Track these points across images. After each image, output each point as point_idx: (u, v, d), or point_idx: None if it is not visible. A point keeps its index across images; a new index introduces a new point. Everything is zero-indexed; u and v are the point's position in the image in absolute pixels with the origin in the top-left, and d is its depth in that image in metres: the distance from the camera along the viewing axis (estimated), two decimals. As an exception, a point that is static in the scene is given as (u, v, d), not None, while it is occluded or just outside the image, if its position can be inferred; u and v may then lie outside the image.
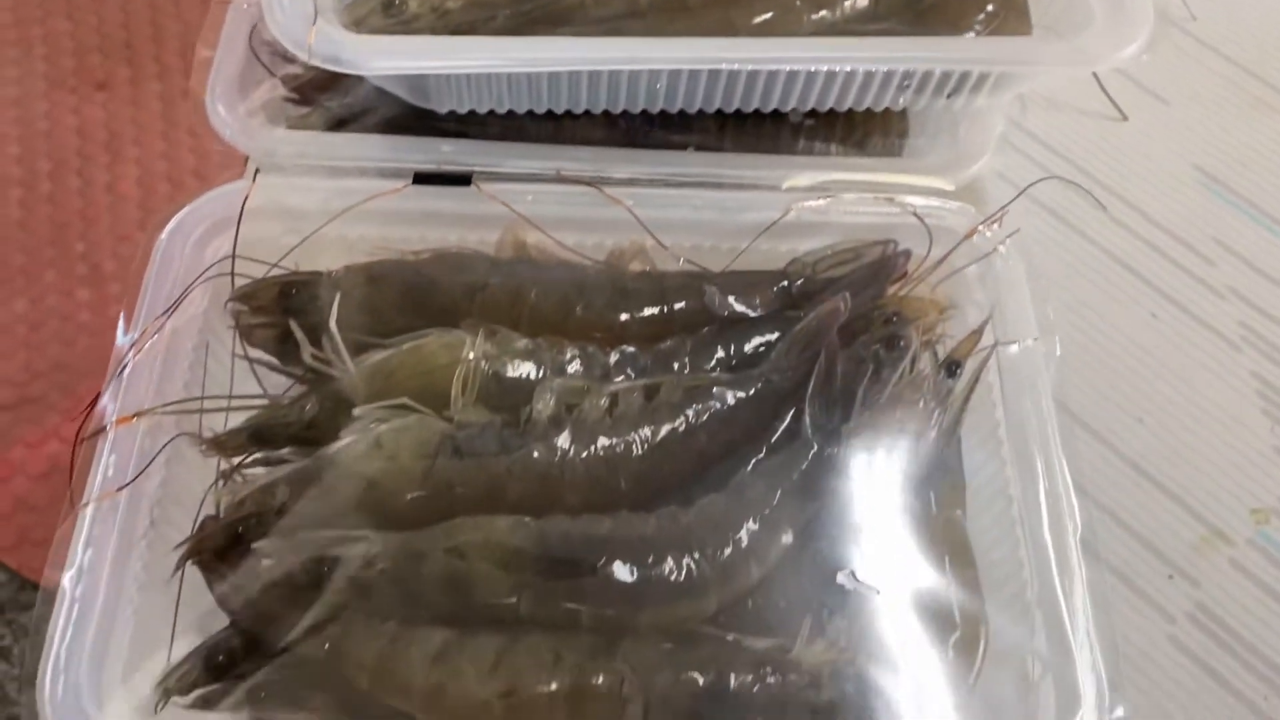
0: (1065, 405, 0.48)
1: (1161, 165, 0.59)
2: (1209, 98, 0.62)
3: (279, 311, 0.48)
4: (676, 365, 0.46)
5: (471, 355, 0.44)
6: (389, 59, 0.44)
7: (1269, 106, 0.62)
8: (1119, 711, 0.38)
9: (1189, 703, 0.45)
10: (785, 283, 0.48)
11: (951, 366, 0.45)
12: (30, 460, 0.57)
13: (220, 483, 0.43)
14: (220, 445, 0.45)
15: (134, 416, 0.42)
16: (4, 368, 0.60)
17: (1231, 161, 0.59)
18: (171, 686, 0.41)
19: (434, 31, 0.48)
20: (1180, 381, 0.53)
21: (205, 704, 0.39)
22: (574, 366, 0.45)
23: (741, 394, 0.45)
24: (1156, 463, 0.50)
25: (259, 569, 0.41)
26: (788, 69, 0.47)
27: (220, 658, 0.42)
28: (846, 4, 0.50)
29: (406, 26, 0.45)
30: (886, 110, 0.53)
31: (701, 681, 0.39)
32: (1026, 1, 0.51)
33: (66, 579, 0.39)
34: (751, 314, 0.47)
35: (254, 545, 0.41)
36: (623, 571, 0.40)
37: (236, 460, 0.45)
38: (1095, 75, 0.59)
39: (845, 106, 0.51)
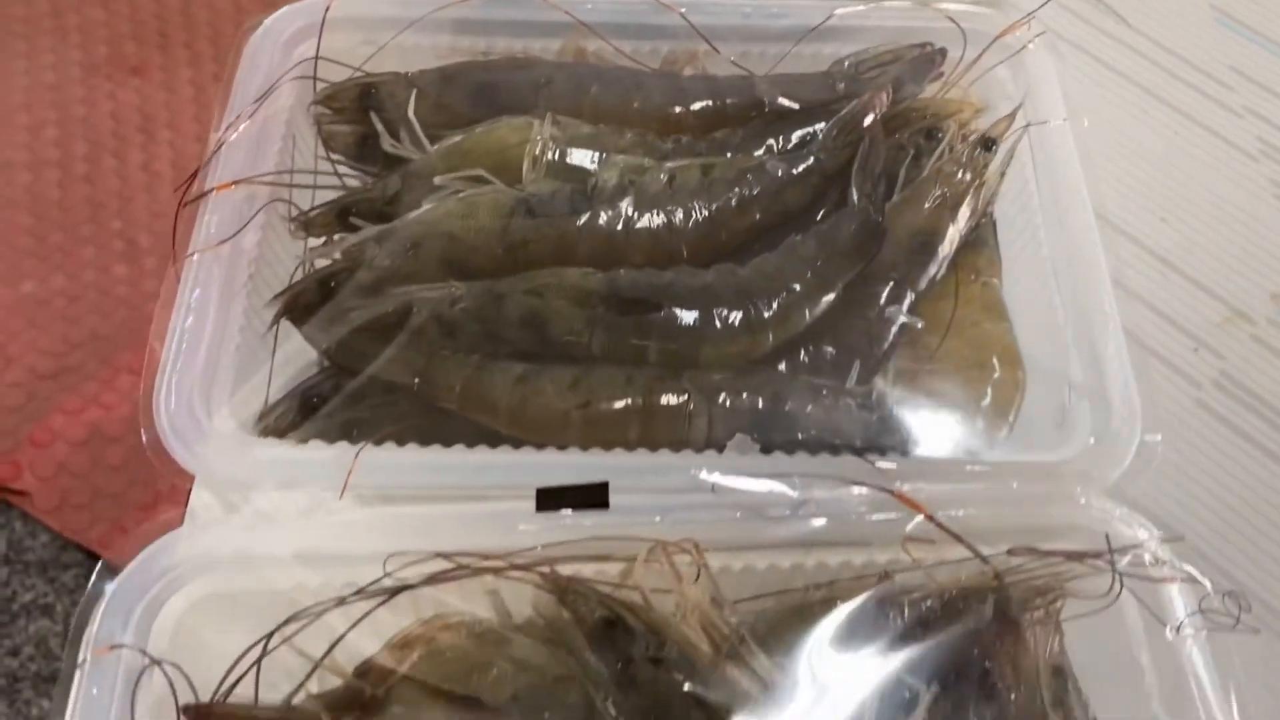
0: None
1: (1179, 4, 0.62)
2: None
3: (359, 111, 0.51)
4: (729, 152, 0.49)
5: (540, 137, 0.48)
6: None
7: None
8: (1155, 436, 0.41)
9: (1220, 459, 0.48)
10: (830, 81, 0.51)
11: (987, 143, 0.48)
12: (69, 427, 0.58)
13: (309, 249, 0.47)
14: (309, 222, 0.49)
15: (233, 184, 0.46)
16: (44, 339, 0.62)
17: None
18: (270, 425, 0.45)
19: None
20: (1201, 188, 0.56)
21: (301, 439, 0.42)
22: (635, 148, 0.48)
23: (792, 171, 0.48)
24: (1181, 255, 0.53)
25: (349, 314, 0.44)
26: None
27: (314, 399, 0.46)
28: None
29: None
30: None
31: (761, 401, 0.43)
32: None
33: (176, 317, 0.43)
34: (798, 108, 0.50)
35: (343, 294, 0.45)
36: (685, 311, 0.44)
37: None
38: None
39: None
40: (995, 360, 0.46)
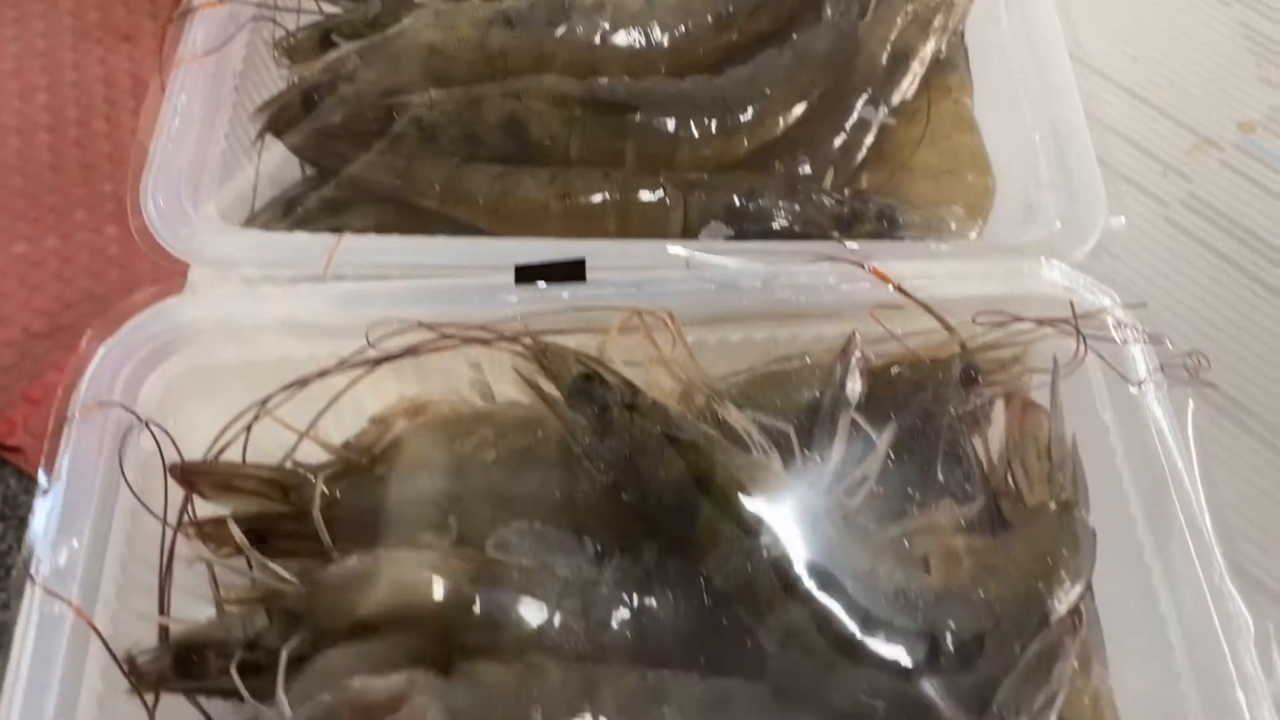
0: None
1: None
2: None
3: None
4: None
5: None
6: None
7: None
8: (1119, 219, 0.42)
9: (1187, 269, 0.49)
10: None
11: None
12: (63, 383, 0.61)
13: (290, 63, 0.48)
14: (293, 47, 0.49)
15: (218, 2, 0.47)
16: (38, 299, 0.63)
17: None
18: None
19: None
20: (1173, 28, 0.57)
21: (286, 212, 0.43)
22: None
23: (766, -6, 0.49)
24: (1149, 88, 0.54)
25: (332, 119, 0.45)
26: None
27: (298, 206, 0.46)
28: None
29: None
30: None
31: (736, 196, 0.43)
32: None
33: (163, 120, 0.43)
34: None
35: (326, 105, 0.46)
36: (662, 115, 0.44)
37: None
38: None
39: None
40: (966, 168, 0.47)
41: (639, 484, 0.35)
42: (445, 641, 0.34)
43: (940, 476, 0.37)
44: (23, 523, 0.53)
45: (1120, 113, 0.53)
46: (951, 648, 0.31)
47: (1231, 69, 0.55)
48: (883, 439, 0.35)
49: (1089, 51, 0.56)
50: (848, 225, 0.43)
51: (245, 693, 0.32)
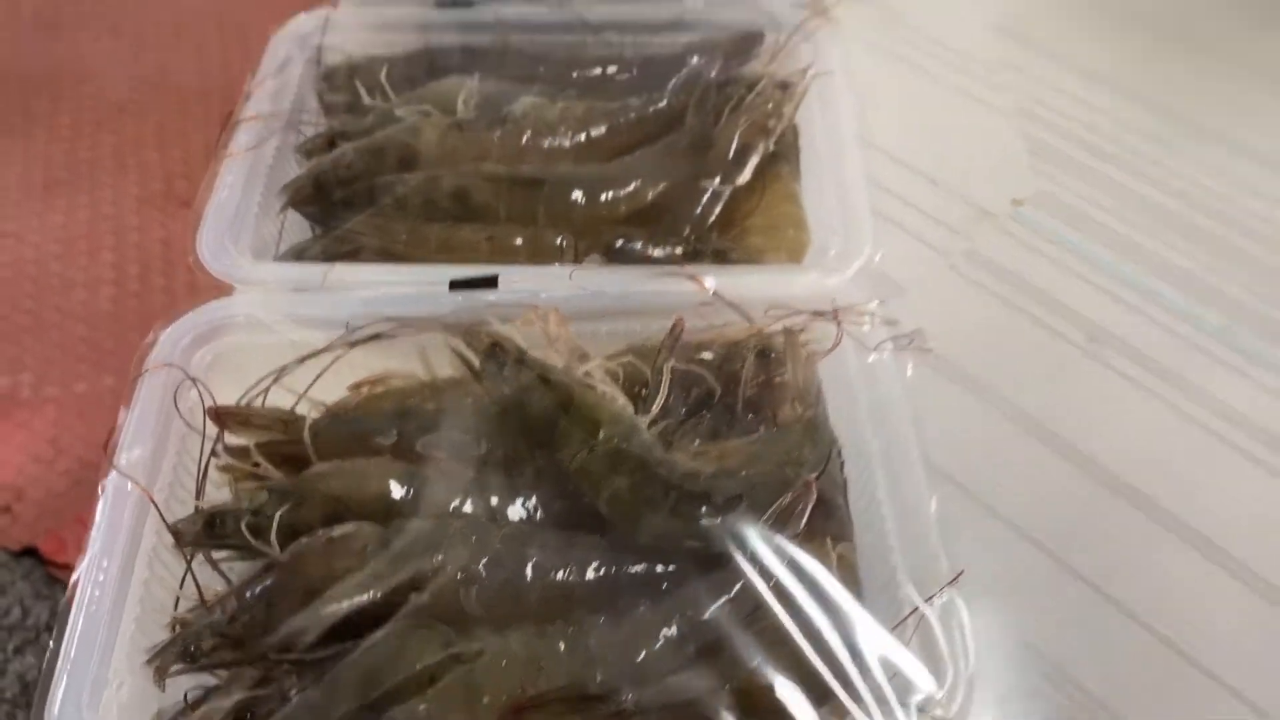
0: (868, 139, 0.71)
1: (963, 19, 0.83)
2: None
3: (349, 83, 0.72)
4: (608, 98, 0.69)
5: (470, 86, 0.68)
6: None
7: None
8: (878, 254, 0.59)
9: (963, 301, 0.65)
10: (681, 55, 0.72)
11: (784, 86, 0.68)
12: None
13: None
14: (311, 148, 0.68)
15: (256, 116, 0.66)
16: (94, 432, 0.67)
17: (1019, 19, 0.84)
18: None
19: None
20: (959, 127, 0.75)
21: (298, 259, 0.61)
22: (539, 95, 0.68)
23: (648, 109, 0.67)
24: (938, 169, 0.71)
25: (333, 196, 0.64)
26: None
27: (306, 254, 0.64)
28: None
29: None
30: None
31: (612, 240, 0.61)
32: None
33: (216, 188, 0.62)
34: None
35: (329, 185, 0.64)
36: (566, 189, 0.62)
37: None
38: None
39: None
40: (788, 226, 0.64)
41: (524, 409, 0.51)
42: (386, 516, 0.49)
43: (740, 415, 0.53)
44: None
45: (919, 191, 0.71)
46: (719, 504, 0.47)
47: (1009, 157, 0.73)
48: (678, 386, 0.51)
49: (894, 145, 0.74)
50: (692, 260, 0.60)
51: (252, 541, 0.48)
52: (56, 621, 0.44)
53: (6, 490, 0.65)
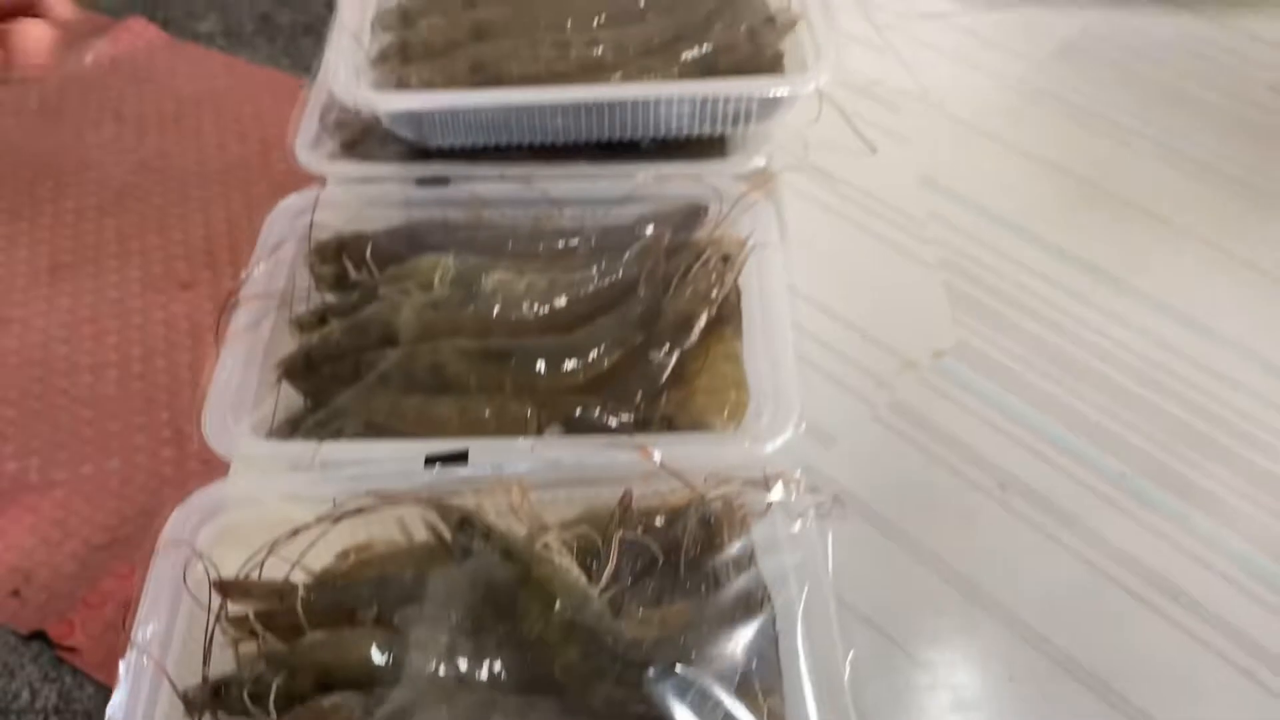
0: (798, 289, 0.79)
1: (893, 172, 0.92)
2: (931, 138, 0.95)
3: (337, 256, 0.79)
4: (568, 270, 0.77)
5: (446, 265, 0.76)
6: (393, 103, 0.79)
7: (967, 140, 0.95)
8: (802, 425, 0.66)
9: (886, 452, 0.73)
10: (633, 227, 0.79)
11: (727, 258, 0.75)
12: (119, 590, 0.65)
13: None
14: (303, 322, 0.76)
15: (256, 298, 0.74)
16: (100, 515, 0.69)
17: (948, 174, 0.92)
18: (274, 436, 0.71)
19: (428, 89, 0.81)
20: (887, 281, 0.82)
21: (293, 428, 0.68)
22: (506, 270, 0.76)
23: (605, 280, 0.75)
24: (867, 321, 0.79)
25: (323, 370, 0.71)
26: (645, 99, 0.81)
27: (298, 423, 0.71)
28: (672, 72, 0.84)
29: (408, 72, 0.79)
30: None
31: (570, 410, 0.68)
32: (782, 60, 0.85)
33: (218, 368, 0.70)
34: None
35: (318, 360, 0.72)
36: (530, 360, 0.70)
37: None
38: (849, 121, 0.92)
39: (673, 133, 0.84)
40: (729, 388, 0.71)
41: (489, 581, 0.58)
42: (369, 681, 0.56)
43: (683, 578, 0.60)
44: (76, 716, 0.63)
45: (849, 342, 0.78)
46: (660, 671, 0.54)
47: (933, 308, 0.80)
48: (632, 556, 0.59)
49: (824, 298, 0.81)
50: (642, 427, 0.68)
51: (252, 709, 0.55)
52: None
53: (15, 574, 0.68)
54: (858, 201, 0.88)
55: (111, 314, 0.85)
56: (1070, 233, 0.84)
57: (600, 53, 0.82)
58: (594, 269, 0.76)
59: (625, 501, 0.61)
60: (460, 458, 0.63)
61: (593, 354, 0.70)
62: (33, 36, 1.05)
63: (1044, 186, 0.88)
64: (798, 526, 0.61)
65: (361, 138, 0.84)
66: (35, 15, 1.07)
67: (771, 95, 0.78)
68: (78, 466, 0.74)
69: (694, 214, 0.79)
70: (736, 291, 0.76)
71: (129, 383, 0.80)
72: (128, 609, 0.57)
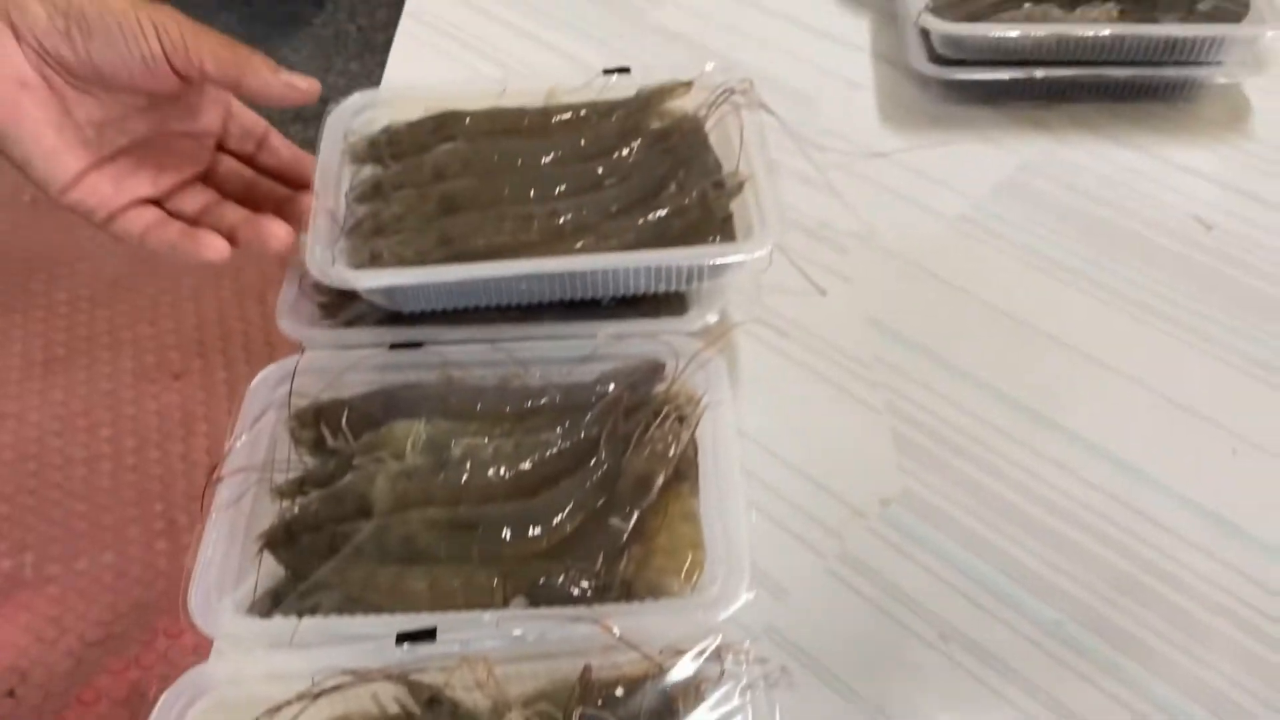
0: (750, 435, 0.84)
1: (842, 316, 0.96)
2: (877, 278, 1.00)
3: (315, 423, 0.84)
4: (533, 433, 0.81)
5: (418, 431, 0.80)
6: (365, 280, 0.84)
7: (912, 280, 1.00)
8: (752, 593, 0.70)
9: (836, 604, 0.77)
10: (593, 386, 0.84)
11: (682, 418, 0.80)
12: (114, 686, 0.68)
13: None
14: (283, 491, 0.80)
15: (238, 471, 0.78)
16: (94, 610, 0.69)
17: (894, 315, 0.97)
18: (256, 608, 0.75)
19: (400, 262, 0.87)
20: (836, 429, 0.88)
21: (275, 600, 0.73)
22: (476, 434, 0.81)
23: (567, 442, 0.80)
24: (818, 469, 0.83)
25: (303, 542, 0.75)
26: (602, 270, 0.86)
27: (279, 594, 0.76)
28: (630, 237, 0.89)
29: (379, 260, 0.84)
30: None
31: (534, 579, 0.72)
32: (732, 221, 0.90)
33: (202, 548, 0.74)
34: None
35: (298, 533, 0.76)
36: (496, 528, 0.74)
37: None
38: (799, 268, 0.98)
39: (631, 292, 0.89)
40: (687, 547, 0.75)
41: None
42: None
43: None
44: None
45: (801, 491, 0.82)
46: None
47: (880, 454, 0.85)
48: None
49: (780, 444, 0.85)
50: (602, 594, 0.72)
51: None
52: None
53: (11, 674, 0.71)
54: (808, 345, 0.93)
55: (104, 405, 0.92)
56: (1008, 374, 0.89)
57: (562, 222, 0.87)
58: (558, 429, 0.81)
59: (585, 678, 0.65)
60: (429, 634, 0.67)
61: (556, 519, 0.75)
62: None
63: (984, 327, 0.93)
64: (748, 697, 0.64)
65: (340, 300, 0.89)
66: None
67: (716, 264, 0.83)
68: (72, 562, 0.77)
69: (651, 372, 0.84)
70: (694, 446, 0.80)
71: (122, 474, 0.86)
72: (121, 706, 0.60)
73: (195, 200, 0.84)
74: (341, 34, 3.55)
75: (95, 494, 0.84)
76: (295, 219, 0.84)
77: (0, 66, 0.66)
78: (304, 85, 0.77)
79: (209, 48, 0.73)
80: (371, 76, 3.60)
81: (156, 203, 0.81)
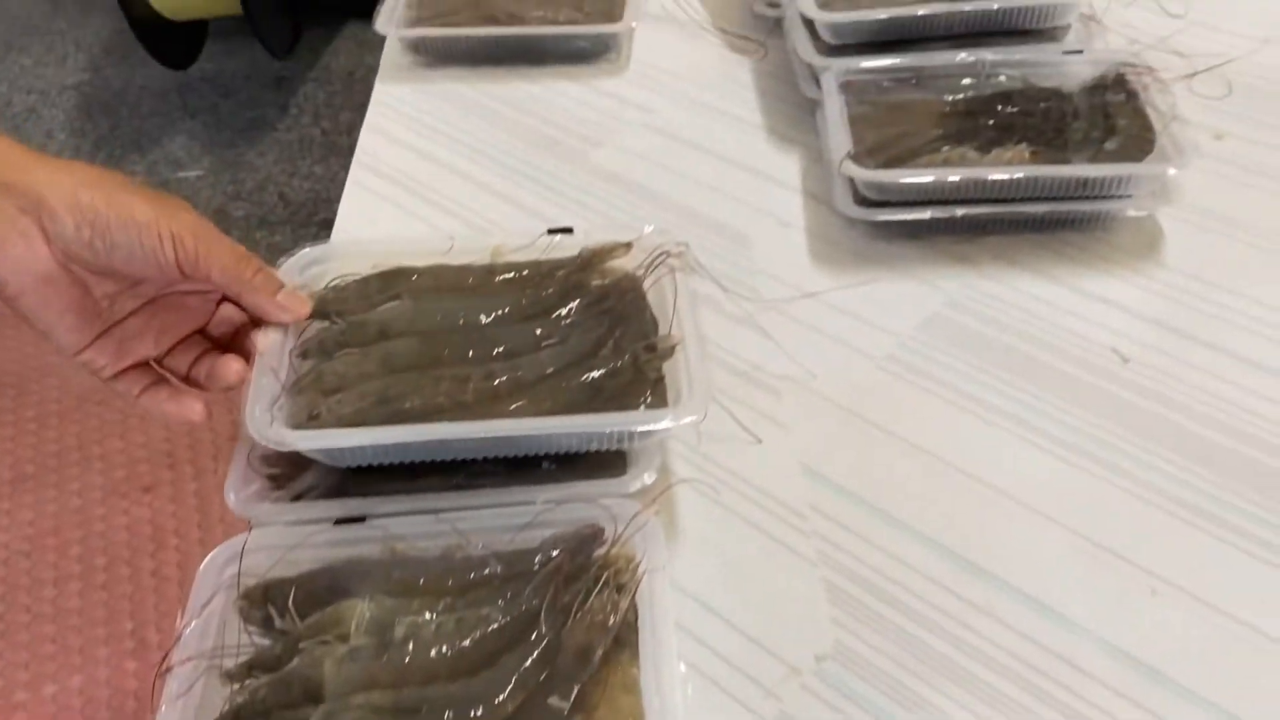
0: (686, 590, 0.86)
1: (777, 464, 1.00)
2: (810, 423, 1.04)
3: (263, 602, 0.86)
4: (476, 606, 0.84)
5: (362, 611, 0.82)
6: (303, 442, 0.87)
7: (844, 424, 1.03)
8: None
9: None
10: (533, 554, 0.87)
11: (619, 587, 0.83)
12: None
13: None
14: (233, 674, 0.82)
15: (188, 660, 0.80)
16: None
17: (827, 462, 1.00)
18: None
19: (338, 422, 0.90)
20: (773, 584, 0.90)
21: None
22: (419, 610, 0.83)
23: (507, 616, 0.82)
24: (754, 624, 0.85)
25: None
26: (531, 434, 0.89)
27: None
28: (564, 399, 0.93)
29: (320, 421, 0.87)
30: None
31: None
32: (666, 389, 0.94)
33: (151, 745, 0.75)
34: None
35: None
36: (438, 711, 0.76)
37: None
38: (732, 414, 1.01)
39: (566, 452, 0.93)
40: (626, 717, 0.78)
41: None
42: None
43: None
44: None
45: (738, 648, 0.84)
46: None
47: (814, 608, 0.87)
48: None
49: (716, 599, 0.87)
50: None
51: None
52: None
53: None
54: (744, 494, 0.96)
55: (74, 523, 0.94)
56: (937, 520, 0.92)
57: (497, 384, 0.91)
58: (500, 601, 0.83)
59: None
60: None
61: (498, 698, 0.77)
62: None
63: (913, 471, 0.96)
64: None
65: (290, 469, 0.91)
66: None
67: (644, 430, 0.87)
68: (40, 687, 0.76)
69: (591, 537, 0.87)
70: (633, 610, 0.83)
71: (91, 593, 0.83)
72: None
73: (189, 353, 0.91)
74: (306, 138, 3.62)
75: (64, 615, 0.83)
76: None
77: (31, 265, 0.74)
78: (297, 311, 0.91)
79: (219, 263, 0.82)
80: (336, 179, 3.68)
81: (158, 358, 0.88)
